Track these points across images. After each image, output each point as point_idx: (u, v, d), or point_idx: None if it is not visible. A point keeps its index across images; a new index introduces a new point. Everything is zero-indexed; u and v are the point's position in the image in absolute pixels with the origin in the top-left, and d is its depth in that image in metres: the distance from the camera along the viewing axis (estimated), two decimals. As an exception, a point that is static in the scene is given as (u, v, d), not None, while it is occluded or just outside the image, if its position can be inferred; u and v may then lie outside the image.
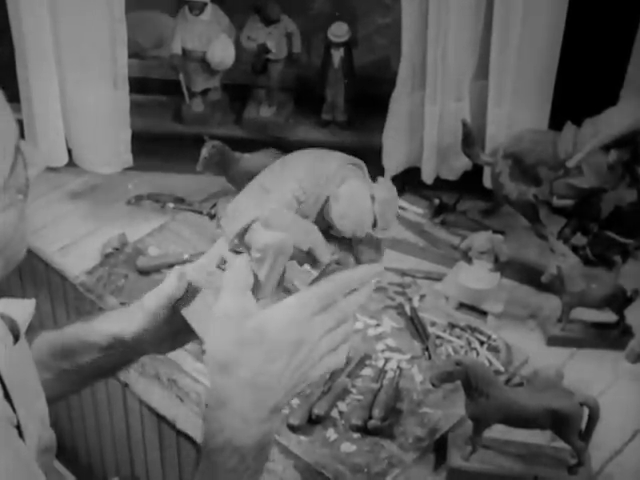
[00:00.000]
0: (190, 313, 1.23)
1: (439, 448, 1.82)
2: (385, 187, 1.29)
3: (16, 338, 1.09)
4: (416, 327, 2.09)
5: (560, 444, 1.73)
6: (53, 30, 2.32)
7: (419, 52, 2.28)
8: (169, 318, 1.26)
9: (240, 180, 2.39)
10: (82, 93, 2.40)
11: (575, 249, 2.15)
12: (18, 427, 1.04)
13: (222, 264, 1.23)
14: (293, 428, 1.84)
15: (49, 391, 1.20)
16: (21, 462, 1.01)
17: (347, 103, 2.58)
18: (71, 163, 2.52)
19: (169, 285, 1.25)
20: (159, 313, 1.26)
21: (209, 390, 1.15)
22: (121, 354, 1.33)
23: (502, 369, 1.97)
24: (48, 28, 2.31)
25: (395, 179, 2.43)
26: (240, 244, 1.22)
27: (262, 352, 1.10)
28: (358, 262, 1.26)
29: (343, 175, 1.24)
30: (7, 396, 1.03)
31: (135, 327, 1.29)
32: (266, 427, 1.13)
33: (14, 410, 1.03)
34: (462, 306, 2.15)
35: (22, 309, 1.12)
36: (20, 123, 2.43)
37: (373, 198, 1.26)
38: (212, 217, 2.43)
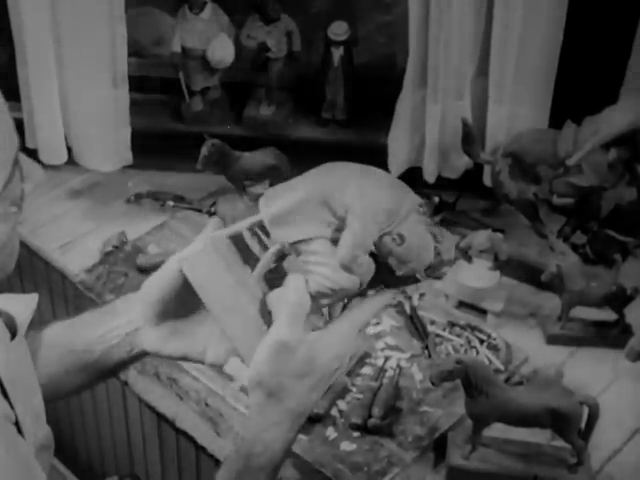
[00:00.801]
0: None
1: (439, 447, 1.82)
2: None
3: (13, 335, 1.09)
4: (416, 325, 2.09)
5: (560, 443, 1.73)
6: (53, 28, 2.32)
7: (421, 52, 2.27)
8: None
9: (240, 178, 2.40)
10: (82, 91, 2.40)
11: (575, 247, 2.15)
12: (16, 424, 1.04)
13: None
14: (293, 427, 1.84)
15: (60, 385, 1.20)
16: (20, 459, 1.01)
17: (347, 102, 2.58)
18: (71, 161, 2.52)
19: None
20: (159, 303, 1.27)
21: (253, 409, 1.18)
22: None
23: (502, 368, 1.97)
24: (48, 26, 2.31)
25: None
26: (292, 250, 1.17)
27: (309, 383, 1.14)
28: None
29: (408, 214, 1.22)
30: (4, 393, 1.03)
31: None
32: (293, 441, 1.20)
33: (12, 407, 1.03)
34: (462, 305, 2.15)
35: (24, 305, 1.12)
36: (20, 122, 2.45)
37: (435, 238, 1.25)
38: (212, 215, 2.43)
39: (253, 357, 1.14)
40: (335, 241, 1.15)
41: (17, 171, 1.06)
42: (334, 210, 1.12)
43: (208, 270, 1.17)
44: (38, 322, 1.27)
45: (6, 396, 1.03)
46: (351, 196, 1.13)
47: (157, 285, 1.26)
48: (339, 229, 1.14)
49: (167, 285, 1.25)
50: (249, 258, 1.20)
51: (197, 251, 1.19)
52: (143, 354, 1.30)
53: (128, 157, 2.49)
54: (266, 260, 1.15)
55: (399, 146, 2.40)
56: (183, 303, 1.25)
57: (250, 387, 1.16)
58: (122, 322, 1.30)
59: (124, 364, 1.33)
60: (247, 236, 1.19)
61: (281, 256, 1.15)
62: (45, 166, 2.48)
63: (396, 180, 1.23)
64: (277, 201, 1.16)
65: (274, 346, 1.13)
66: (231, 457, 1.18)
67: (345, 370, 1.95)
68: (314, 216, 1.12)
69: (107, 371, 1.33)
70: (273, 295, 1.17)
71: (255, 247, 1.19)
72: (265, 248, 1.18)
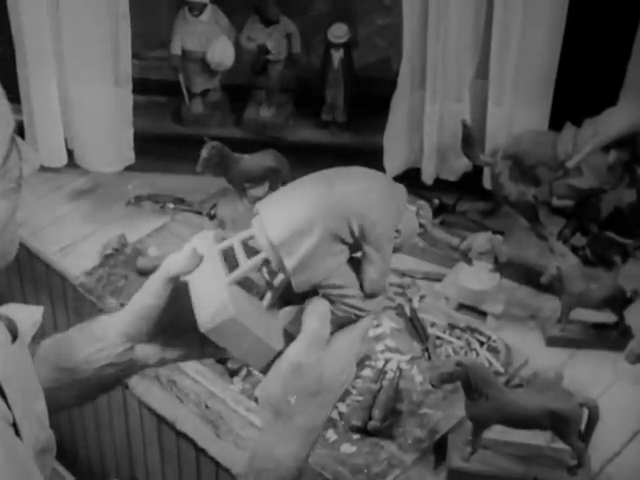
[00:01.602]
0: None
1: (439, 449, 1.82)
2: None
3: (14, 337, 1.10)
4: (416, 328, 2.09)
5: (560, 445, 1.73)
6: (54, 27, 2.32)
7: (419, 53, 2.28)
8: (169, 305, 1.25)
9: (240, 181, 2.40)
10: (84, 91, 2.40)
11: (575, 249, 2.15)
12: (15, 426, 1.04)
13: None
14: (293, 429, 1.84)
15: (52, 400, 1.20)
16: (17, 460, 1.01)
17: (347, 104, 2.58)
18: (71, 164, 2.52)
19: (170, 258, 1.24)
20: (160, 290, 1.25)
21: (264, 427, 1.18)
22: (120, 351, 1.31)
23: (502, 370, 1.97)
24: (48, 27, 2.31)
25: (395, 179, 2.43)
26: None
27: (319, 400, 1.15)
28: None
29: None
30: (2, 394, 1.03)
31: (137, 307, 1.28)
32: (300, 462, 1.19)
33: (10, 408, 1.03)
34: (462, 307, 2.15)
35: (29, 315, 1.12)
36: (20, 123, 2.45)
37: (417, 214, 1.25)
38: (212, 218, 2.43)
39: (267, 375, 1.15)
40: (351, 260, 1.15)
41: (15, 150, 1.06)
42: (345, 239, 1.12)
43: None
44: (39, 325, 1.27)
45: (5, 398, 1.03)
46: (359, 226, 1.12)
47: (140, 304, 1.26)
48: (353, 248, 1.14)
49: (151, 302, 1.25)
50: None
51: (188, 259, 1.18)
52: (142, 367, 1.31)
53: (130, 156, 2.49)
54: (249, 266, 1.14)
55: (396, 147, 2.40)
56: (170, 317, 1.25)
57: (261, 405, 1.17)
58: (106, 344, 1.29)
59: (120, 379, 1.33)
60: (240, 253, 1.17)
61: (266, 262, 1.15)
62: (45, 169, 2.49)
63: (387, 180, 1.23)
64: (292, 249, 1.13)
65: (289, 367, 1.13)
66: (244, 473, 1.19)
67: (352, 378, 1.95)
68: (328, 252, 1.11)
69: (103, 387, 1.34)
70: (287, 312, 1.17)
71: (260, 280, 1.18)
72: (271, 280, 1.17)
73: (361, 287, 1.14)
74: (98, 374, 1.30)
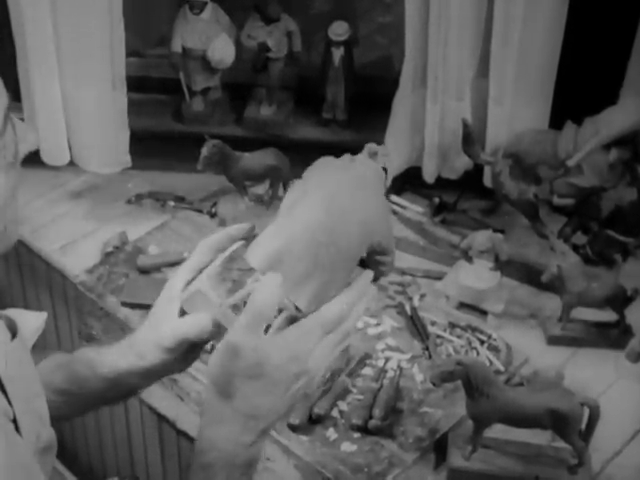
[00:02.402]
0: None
1: (439, 448, 1.82)
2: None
3: (13, 335, 1.10)
4: (416, 326, 2.09)
5: (561, 444, 1.73)
6: (54, 30, 2.32)
7: (421, 51, 2.28)
8: (185, 353, 1.26)
9: (240, 179, 2.40)
10: (81, 93, 2.40)
11: (575, 248, 2.15)
12: (15, 422, 1.04)
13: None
14: (293, 428, 1.84)
15: (54, 412, 1.20)
16: (17, 456, 1.01)
17: (347, 102, 2.58)
18: (72, 162, 2.52)
19: (191, 326, 1.23)
20: (175, 349, 1.25)
21: (205, 406, 1.16)
22: (128, 385, 1.32)
23: (502, 369, 1.97)
24: (49, 27, 2.31)
25: (396, 178, 2.43)
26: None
27: (260, 385, 1.11)
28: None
29: None
30: (3, 390, 1.03)
31: (147, 363, 1.28)
32: (255, 448, 1.14)
33: (10, 405, 1.04)
34: (462, 305, 2.15)
35: (32, 321, 1.12)
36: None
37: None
38: (212, 216, 2.43)
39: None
40: None
41: (10, 127, 1.06)
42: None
43: None
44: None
45: (5, 394, 1.03)
46: (369, 247, 1.15)
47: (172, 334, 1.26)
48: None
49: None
50: None
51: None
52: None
53: (127, 160, 2.49)
54: (244, 293, 1.16)
55: (397, 145, 2.40)
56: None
57: (205, 383, 1.16)
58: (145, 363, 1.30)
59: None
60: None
61: None
62: (46, 167, 2.49)
63: (367, 173, 1.22)
64: (302, 290, 1.13)
65: (225, 346, 1.11)
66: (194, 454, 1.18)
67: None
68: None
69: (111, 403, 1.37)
70: None
71: None
72: None
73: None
74: (107, 388, 1.31)
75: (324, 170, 1.18)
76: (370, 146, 1.27)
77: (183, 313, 1.22)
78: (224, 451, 1.12)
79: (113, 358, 1.30)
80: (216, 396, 1.13)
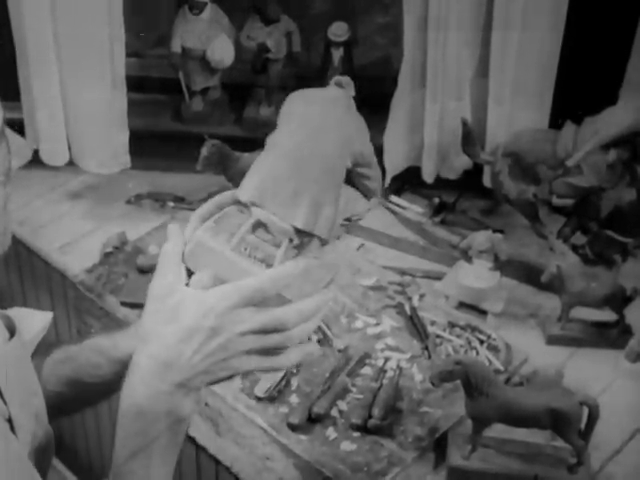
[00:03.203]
0: None
1: (439, 447, 1.82)
2: None
3: (11, 334, 1.10)
4: (416, 326, 2.09)
5: (560, 443, 1.73)
6: (54, 30, 2.32)
7: (420, 51, 2.28)
8: None
9: (240, 179, 2.39)
10: (81, 94, 2.40)
11: (575, 248, 2.15)
12: (10, 421, 1.04)
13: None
14: (293, 427, 1.84)
15: (64, 405, 1.20)
16: (11, 455, 1.02)
17: (347, 102, 2.58)
18: (71, 162, 2.52)
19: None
20: None
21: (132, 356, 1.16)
22: None
23: (502, 368, 1.97)
24: (49, 27, 2.31)
25: (395, 178, 2.44)
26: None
27: (174, 330, 1.11)
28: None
29: None
30: None
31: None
32: (174, 400, 1.13)
33: (5, 404, 1.04)
34: (462, 305, 2.15)
35: (37, 320, 1.13)
36: (21, 122, 2.45)
37: None
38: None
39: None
40: None
41: (4, 142, 1.06)
42: None
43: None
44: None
45: (1, 394, 1.04)
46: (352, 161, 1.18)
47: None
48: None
49: None
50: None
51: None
52: None
53: (126, 160, 2.49)
54: (243, 231, 1.17)
55: (396, 145, 2.40)
56: None
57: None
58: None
59: None
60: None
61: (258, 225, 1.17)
62: (45, 166, 2.49)
63: (337, 97, 1.26)
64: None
65: (149, 297, 1.15)
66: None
67: (345, 370, 1.95)
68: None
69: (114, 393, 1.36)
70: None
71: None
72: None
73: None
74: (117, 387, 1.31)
75: (296, 100, 1.22)
76: (337, 79, 1.36)
77: (189, 273, 1.21)
78: (139, 395, 1.12)
79: (127, 341, 1.31)
80: (140, 342, 1.14)
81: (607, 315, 2.05)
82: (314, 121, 1.17)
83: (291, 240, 1.17)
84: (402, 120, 2.38)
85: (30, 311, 1.13)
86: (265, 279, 1.13)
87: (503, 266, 2.12)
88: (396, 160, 2.42)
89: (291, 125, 1.17)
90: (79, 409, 1.42)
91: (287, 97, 1.26)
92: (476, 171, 2.40)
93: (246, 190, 1.14)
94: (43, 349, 1.35)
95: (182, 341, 1.11)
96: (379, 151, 2.39)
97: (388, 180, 2.44)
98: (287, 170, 1.14)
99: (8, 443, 1.02)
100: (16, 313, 1.14)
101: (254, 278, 1.13)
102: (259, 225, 1.16)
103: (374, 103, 2.49)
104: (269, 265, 1.17)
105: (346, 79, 1.33)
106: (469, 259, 2.10)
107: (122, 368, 1.27)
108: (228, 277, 1.15)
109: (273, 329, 1.13)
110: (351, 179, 1.21)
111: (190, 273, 1.19)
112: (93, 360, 1.32)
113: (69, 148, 2.50)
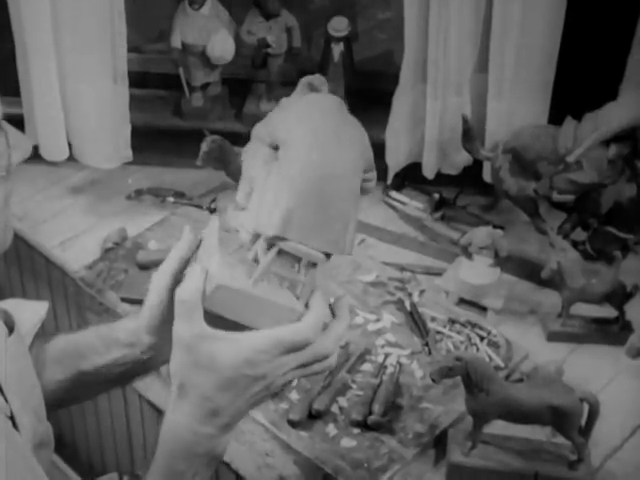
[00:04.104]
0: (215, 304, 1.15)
1: (439, 444, 1.82)
2: None
3: (10, 330, 1.10)
4: (416, 322, 2.09)
5: (560, 440, 1.73)
6: (53, 24, 2.31)
7: (421, 47, 2.28)
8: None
9: (240, 175, 2.39)
10: (82, 88, 2.40)
11: (575, 244, 2.15)
12: (12, 418, 1.04)
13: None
14: (293, 423, 1.84)
15: (61, 394, 1.20)
16: (16, 451, 1.02)
17: (347, 97, 2.57)
18: (71, 157, 2.52)
19: (169, 263, 1.25)
20: (164, 295, 1.25)
21: (168, 398, 1.17)
22: (139, 355, 1.31)
23: (502, 365, 1.97)
24: (49, 22, 2.31)
25: (395, 174, 2.44)
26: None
27: (214, 379, 1.11)
28: None
29: None
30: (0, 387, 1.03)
31: (146, 318, 1.28)
32: (216, 441, 1.15)
33: (6, 401, 1.04)
34: (462, 301, 2.15)
35: (34, 311, 1.13)
36: (21, 118, 2.45)
37: None
38: (212, 211, 2.43)
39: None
40: None
41: (4, 138, 1.06)
42: None
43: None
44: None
45: (1, 390, 1.04)
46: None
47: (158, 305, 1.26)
48: None
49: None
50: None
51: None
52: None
53: (128, 154, 2.49)
54: (265, 264, 1.13)
55: (398, 141, 2.40)
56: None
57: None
58: (134, 350, 1.29)
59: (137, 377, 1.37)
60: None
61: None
62: (45, 162, 2.49)
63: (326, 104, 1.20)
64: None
65: (175, 343, 1.13)
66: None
67: (346, 367, 1.95)
68: None
69: (117, 384, 1.38)
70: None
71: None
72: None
73: None
74: (117, 376, 1.31)
75: (292, 120, 1.16)
76: (308, 80, 1.23)
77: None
78: (185, 440, 1.14)
79: (123, 322, 1.32)
80: (176, 390, 1.15)
81: (607, 311, 2.05)
82: (324, 138, 1.10)
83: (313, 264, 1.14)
84: (403, 116, 2.38)
85: (25, 302, 1.12)
86: (306, 330, 1.13)
87: (503, 262, 2.12)
88: (398, 157, 2.41)
89: (299, 149, 1.10)
90: (80, 400, 1.42)
91: (277, 117, 1.19)
92: (476, 167, 2.40)
93: (271, 226, 1.09)
94: (42, 339, 1.35)
95: (224, 389, 1.12)
96: (380, 148, 2.39)
97: (391, 177, 2.44)
98: (310, 198, 1.07)
99: (11, 440, 1.02)
100: (12, 304, 1.14)
101: (294, 330, 1.12)
102: (280, 253, 1.13)
103: (374, 98, 2.50)
104: (294, 290, 1.15)
105: (320, 79, 1.22)
106: (469, 255, 2.10)
107: (119, 351, 1.28)
108: (258, 316, 1.13)
109: (314, 362, 1.15)
110: None
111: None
112: (90, 344, 1.32)
113: (69, 144, 2.49)
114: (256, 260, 1.14)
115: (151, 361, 1.32)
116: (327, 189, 1.09)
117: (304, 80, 1.22)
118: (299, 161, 1.09)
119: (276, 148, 1.16)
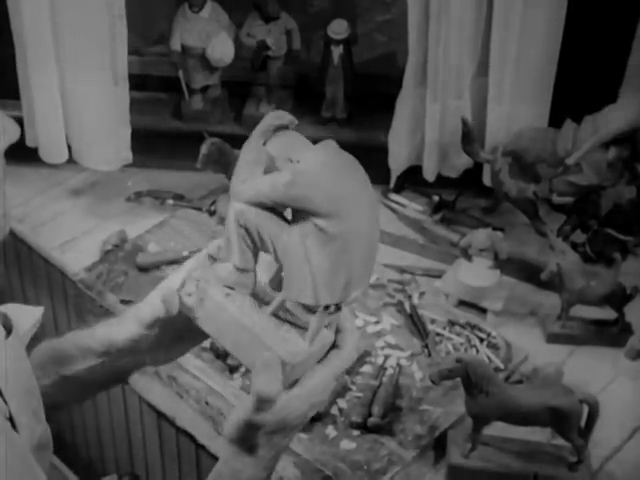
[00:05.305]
0: (216, 331, 1.16)
1: (439, 445, 1.82)
2: None
3: (8, 332, 1.09)
4: (416, 324, 2.09)
5: (560, 441, 1.73)
6: (53, 26, 2.31)
7: (422, 51, 2.28)
8: (164, 331, 1.24)
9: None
10: (82, 90, 2.40)
11: (575, 246, 2.15)
12: (11, 420, 1.04)
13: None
14: (293, 425, 1.84)
15: (48, 398, 1.20)
16: (15, 453, 1.01)
17: (347, 100, 2.57)
18: (71, 160, 2.51)
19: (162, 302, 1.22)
20: (153, 326, 1.23)
21: (223, 460, 1.18)
22: (116, 361, 1.29)
23: (502, 366, 1.98)
24: (48, 25, 2.30)
25: (398, 177, 2.44)
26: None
27: (284, 434, 1.16)
28: None
29: None
30: None
31: (127, 334, 1.26)
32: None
33: (5, 402, 1.04)
34: (462, 303, 2.15)
35: (29, 316, 1.12)
36: (20, 120, 2.45)
37: None
38: (212, 214, 2.43)
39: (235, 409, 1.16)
40: None
41: None
42: None
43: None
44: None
45: (0, 392, 1.03)
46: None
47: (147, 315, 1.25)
48: None
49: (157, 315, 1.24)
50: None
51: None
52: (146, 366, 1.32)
53: (128, 156, 2.48)
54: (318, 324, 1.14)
55: (399, 145, 2.40)
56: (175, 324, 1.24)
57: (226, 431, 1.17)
58: (111, 358, 1.29)
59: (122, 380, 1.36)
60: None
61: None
62: (45, 164, 2.49)
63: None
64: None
65: (257, 399, 1.12)
66: None
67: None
68: None
69: (103, 388, 1.38)
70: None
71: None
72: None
73: None
74: (95, 365, 1.30)
75: (301, 185, 1.11)
76: (271, 120, 1.16)
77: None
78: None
79: (100, 330, 1.30)
80: (237, 451, 1.16)
81: (607, 313, 2.05)
82: (343, 200, 1.06)
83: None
84: (405, 119, 2.38)
85: (22, 306, 1.12)
86: (352, 355, 1.22)
87: (503, 264, 2.12)
88: (400, 159, 2.42)
89: (352, 222, 1.08)
90: (67, 402, 1.41)
91: (282, 185, 1.10)
92: (476, 169, 2.40)
93: (305, 296, 1.08)
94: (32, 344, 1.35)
95: (287, 436, 1.17)
96: (380, 150, 2.39)
97: (393, 180, 2.44)
98: (337, 265, 1.06)
99: (11, 441, 1.02)
100: (7, 308, 1.13)
101: (344, 358, 1.19)
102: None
103: (374, 101, 2.50)
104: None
105: (289, 118, 1.18)
106: (469, 257, 2.10)
107: (94, 360, 1.28)
108: (243, 347, 1.13)
109: None
110: None
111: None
112: (68, 351, 1.31)
113: (69, 146, 2.49)
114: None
115: (131, 367, 1.33)
116: (350, 254, 1.08)
117: (268, 122, 1.15)
118: (354, 233, 1.07)
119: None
